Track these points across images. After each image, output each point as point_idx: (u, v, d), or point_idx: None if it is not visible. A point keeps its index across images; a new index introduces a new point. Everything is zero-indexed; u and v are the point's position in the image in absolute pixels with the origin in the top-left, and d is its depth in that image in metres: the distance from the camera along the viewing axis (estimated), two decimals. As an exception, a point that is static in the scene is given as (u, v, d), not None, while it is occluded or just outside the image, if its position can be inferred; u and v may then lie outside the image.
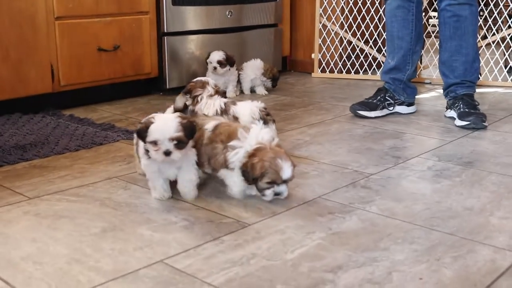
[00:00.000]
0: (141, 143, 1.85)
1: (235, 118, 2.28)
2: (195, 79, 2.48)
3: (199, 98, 2.36)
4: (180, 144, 1.77)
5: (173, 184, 1.93)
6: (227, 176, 1.88)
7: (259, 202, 1.86)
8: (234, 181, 1.87)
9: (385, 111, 3.07)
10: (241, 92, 3.69)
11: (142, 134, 1.78)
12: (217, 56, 3.47)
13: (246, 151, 1.80)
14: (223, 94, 2.45)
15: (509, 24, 3.92)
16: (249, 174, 1.79)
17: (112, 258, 1.50)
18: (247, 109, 2.28)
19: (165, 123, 1.77)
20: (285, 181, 1.81)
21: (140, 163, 2.00)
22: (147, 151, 1.82)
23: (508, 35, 3.94)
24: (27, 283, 1.37)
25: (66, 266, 1.46)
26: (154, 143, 1.76)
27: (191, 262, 1.48)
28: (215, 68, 3.46)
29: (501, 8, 3.93)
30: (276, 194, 1.82)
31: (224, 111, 2.31)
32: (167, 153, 1.76)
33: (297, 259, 1.50)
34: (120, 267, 1.45)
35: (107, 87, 3.39)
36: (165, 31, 3.50)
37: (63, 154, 2.39)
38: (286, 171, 1.78)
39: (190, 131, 1.80)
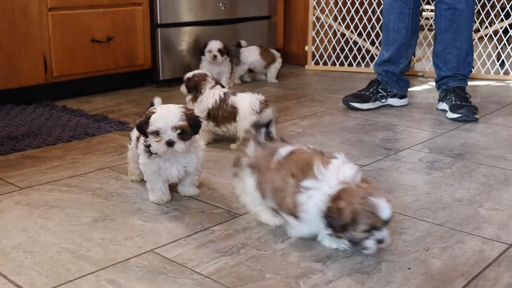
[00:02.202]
0: (141, 140, 1.76)
1: (234, 108, 2.28)
2: (192, 73, 2.41)
3: (202, 90, 2.35)
4: (183, 134, 1.66)
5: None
6: (290, 220, 1.54)
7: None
8: (301, 230, 1.54)
9: (377, 103, 3.08)
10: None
11: (143, 126, 1.68)
12: (217, 44, 3.45)
13: (326, 194, 1.44)
14: (221, 85, 2.43)
15: (502, 17, 3.93)
16: (336, 221, 1.42)
17: (103, 247, 1.51)
18: (247, 101, 2.28)
19: (167, 112, 1.67)
20: (386, 222, 1.43)
21: (130, 168, 1.98)
22: (148, 146, 1.72)
23: (501, 28, 3.94)
24: (18, 272, 1.38)
25: (57, 255, 1.46)
26: (156, 133, 1.66)
27: (181, 251, 1.49)
28: (215, 56, 3.44)
29: (494, 1, 3.93)
30: (379, 241, 1.44)
31: (222, 101, 2.31)
32: (170, 143, 1.65)
33: (287, 249, 1.51)
34: (110, 256, 1.46)
35: (100, 78, 3.38)
36: (159, 22, 3.49)
37: (55, 145, 2.40)
38: (385, 209, 1.41)
39: (194, 122, 1.69)
